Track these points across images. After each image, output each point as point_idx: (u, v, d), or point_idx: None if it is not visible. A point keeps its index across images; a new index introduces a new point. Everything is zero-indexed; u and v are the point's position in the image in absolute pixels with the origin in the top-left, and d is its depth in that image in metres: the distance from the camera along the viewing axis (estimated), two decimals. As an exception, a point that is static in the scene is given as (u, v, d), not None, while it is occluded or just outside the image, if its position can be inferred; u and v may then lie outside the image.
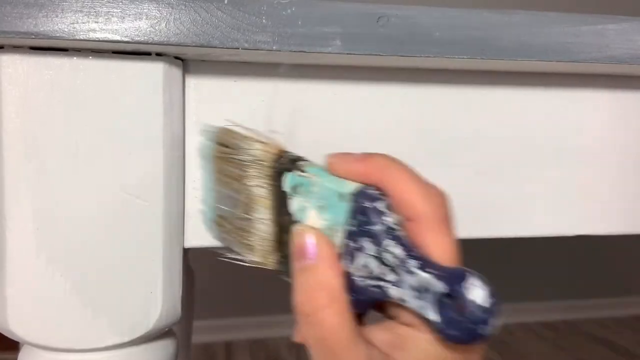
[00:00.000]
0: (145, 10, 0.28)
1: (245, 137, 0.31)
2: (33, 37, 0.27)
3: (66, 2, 0.27)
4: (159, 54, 0.31)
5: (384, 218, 0.27)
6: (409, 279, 0.26)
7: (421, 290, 0.25)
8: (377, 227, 0.27)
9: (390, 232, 0.27)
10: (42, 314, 0.31)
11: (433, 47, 0.31)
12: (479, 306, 0.24)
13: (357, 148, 0.36)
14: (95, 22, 0.27)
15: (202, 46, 0.28)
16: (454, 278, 0.25)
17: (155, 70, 0.31)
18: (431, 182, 0.28)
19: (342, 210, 0.28)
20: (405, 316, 0.27)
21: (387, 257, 0.26)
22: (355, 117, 0.36)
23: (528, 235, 0.39)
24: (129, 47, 0.29)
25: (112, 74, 0.30)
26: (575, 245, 2.26)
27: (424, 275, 0.25)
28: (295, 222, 0.30)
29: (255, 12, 0.28)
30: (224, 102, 0.34)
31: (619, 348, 2.10)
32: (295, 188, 0.30)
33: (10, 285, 0.30)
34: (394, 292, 0.26)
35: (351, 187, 0.28)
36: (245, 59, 0.33)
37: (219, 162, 0.32)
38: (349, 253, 0.28)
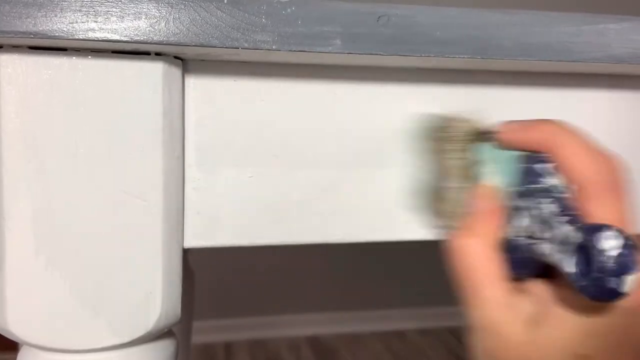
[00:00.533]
0: (144, 10, 0.27)
1: (447, 119, 0.34)
2: (32, 36, 0.27)
3: (65, 1, 0.27)
4: (158, 54, 0.31)
5: (546, 179, 0.29)
6: (557, 234, 0.26)
7: (564, 244, 0.25)
8: (538, 187, 0.29)
9: (550, 192, 0.28)
10: (41, 315, 0.31)
11: (433, 46, 0.31)
12: (609, 256, 0.23)
13: (357, 148, 0.36)
14: (95, 21, 0.27)
15: (201, 46, 0.28)
16: (591, 230, 0.24)
17: (154, 70, 0.31)
18: (603, 147, 0.28)
19: (514, 173, 0.31)
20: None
21: (544, 215, 0.28)
22: (355, 117, 0.36)
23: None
24: (128, 47, 0.29)
25: (111, 73, 0.30)
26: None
27: (567, 228, 0.26)
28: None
29: (255, 11, 0.28)
30: (223, 102, 0.34)
31: (619, 348, 2.09)
32: (480, 157, 0.33)
33: (10, 285, 0.30)
34: (544, 248, 0.27)
35: (523, 152, 0.31)
36: (245, 58, 0.33)
37: (423, 142, 0.36)
38: (515, 212, 0.30)
